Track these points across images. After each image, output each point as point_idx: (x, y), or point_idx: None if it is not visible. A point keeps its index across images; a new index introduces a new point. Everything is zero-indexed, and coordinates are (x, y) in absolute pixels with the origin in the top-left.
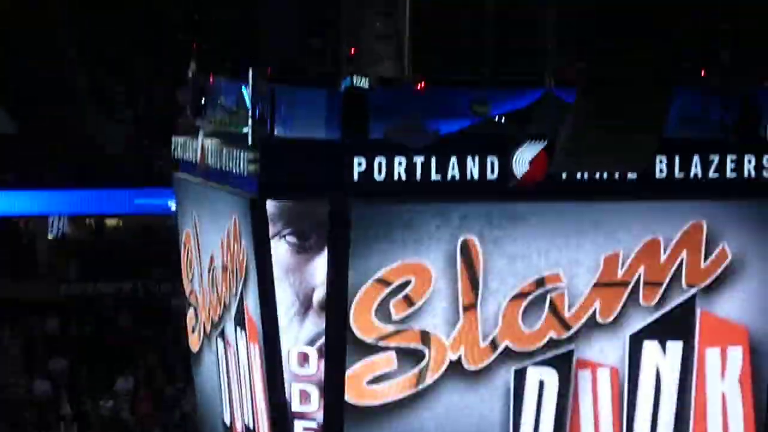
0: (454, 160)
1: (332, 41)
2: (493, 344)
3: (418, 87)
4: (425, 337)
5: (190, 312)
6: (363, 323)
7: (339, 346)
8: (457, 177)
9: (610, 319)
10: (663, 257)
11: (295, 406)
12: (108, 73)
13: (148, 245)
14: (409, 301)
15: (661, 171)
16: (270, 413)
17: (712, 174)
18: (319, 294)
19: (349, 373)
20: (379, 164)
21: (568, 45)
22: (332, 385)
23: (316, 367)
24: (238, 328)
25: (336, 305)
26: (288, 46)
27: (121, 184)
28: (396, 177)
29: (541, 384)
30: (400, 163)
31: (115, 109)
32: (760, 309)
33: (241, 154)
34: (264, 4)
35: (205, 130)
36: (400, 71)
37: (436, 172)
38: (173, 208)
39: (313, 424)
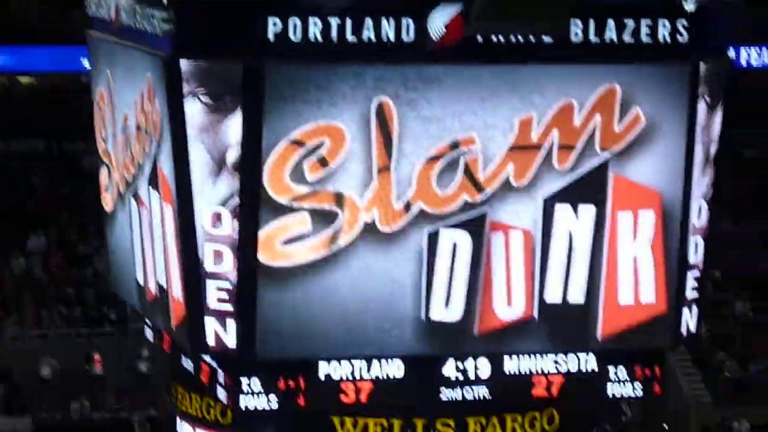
0: (369, 21)
1: None
2: (407, 206)
3: None
4: (339, 198)
5: (104, 171)
6: (277, 184)
7: (252, 207)
8: (373, 39)
9: (524, 182)
10: (577, 121)
11: (208, 266)
12: None
13: (62, 103)
14: (323, 162)
15: (576, 35)
16: (183, 273)
17: (626, 38)
18: (233, 154)
19: (262, 233)
20: (295, 25)
21: None
22: (245, 245)
23: (229, 227)
24: (152, 188)
25: (249, 165)
26: None
27: (34, 41)
28: (311, 38)
29: (455, 246)
30: (315, 24)
31: None
32: (673, 173)
33: (156, 12)
34: None
35: None
36: None
37: (352, 34)
38: (87, 66)
39: (227, 284)
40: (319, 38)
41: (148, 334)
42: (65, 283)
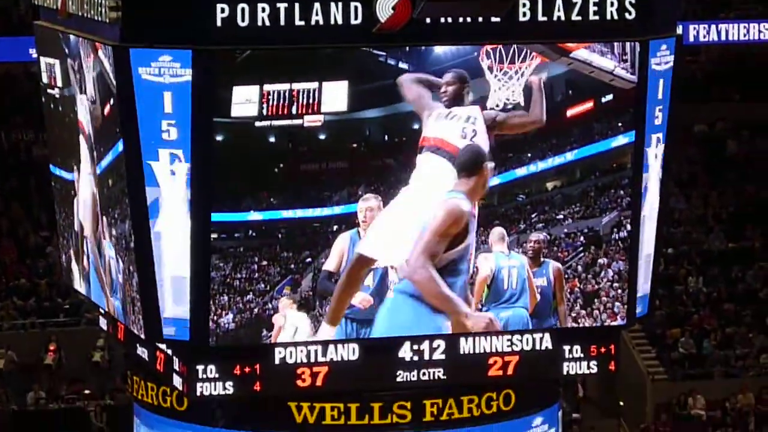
0: (317, 5)
1: None
2: None
3: None
4: None
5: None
6: None
7: (205, 189)
8: (321, 22)
9: None
10: None
11: None
12: None
13: (9, 94)
14: None
15: (524, 14)
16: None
17: (575, 16)
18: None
19: None
20: (243, 10)
21: None
22: (197, 236)
23: None
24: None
25: (200, 153)
26: None
27: None
28: (259, 22)
29: None
30: (263, 9)
31: None
32: None
33: (103, 0)
34: None
35: None
36: None
37: (300, 18)
38: (34, 55)
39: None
40: (268, 22)
41: (102, 323)
42: (18, 275)
